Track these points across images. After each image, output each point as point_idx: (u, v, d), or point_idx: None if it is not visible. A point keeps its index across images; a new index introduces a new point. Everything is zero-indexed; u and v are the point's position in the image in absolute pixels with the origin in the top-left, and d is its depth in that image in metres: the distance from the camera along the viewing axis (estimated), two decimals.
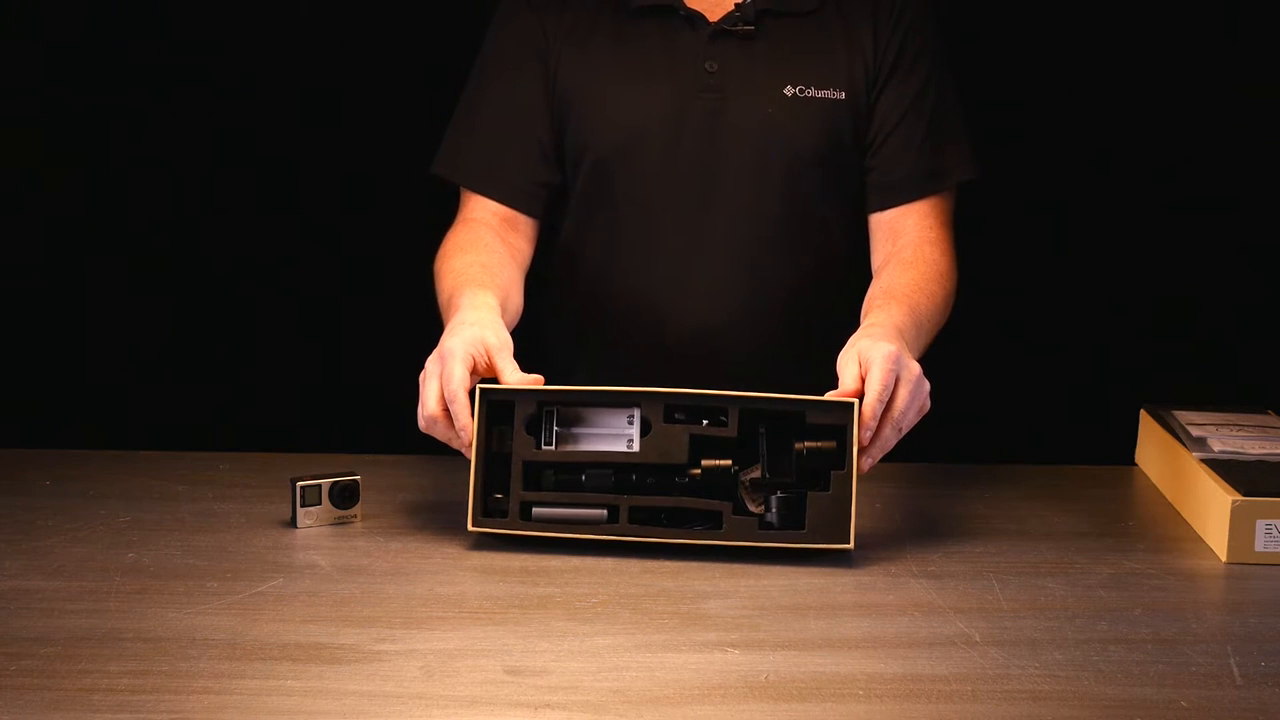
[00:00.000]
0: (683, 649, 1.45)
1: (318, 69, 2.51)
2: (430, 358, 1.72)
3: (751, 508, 1.68)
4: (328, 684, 1.37)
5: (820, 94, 1.97)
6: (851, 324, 1.86)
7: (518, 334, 1.81)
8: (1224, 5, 2.46)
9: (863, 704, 1.35)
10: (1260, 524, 1.68)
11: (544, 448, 1.70)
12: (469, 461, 1.69)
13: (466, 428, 1.68)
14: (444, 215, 2.05)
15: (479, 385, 1.69)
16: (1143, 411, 2.03)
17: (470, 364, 1.70)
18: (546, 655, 1.43)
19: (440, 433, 1.70)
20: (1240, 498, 1.68)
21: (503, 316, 1.81)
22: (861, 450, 1.67)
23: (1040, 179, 2.51)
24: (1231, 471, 1.76)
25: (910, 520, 1.80)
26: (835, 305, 2.01)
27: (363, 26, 2.51)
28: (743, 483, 1.69)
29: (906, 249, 1.96)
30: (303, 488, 1.74)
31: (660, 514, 1.69)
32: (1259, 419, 1.94)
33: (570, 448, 1.71)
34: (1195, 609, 1.58)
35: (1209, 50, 2.47)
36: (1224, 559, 1.70)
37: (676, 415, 1.71)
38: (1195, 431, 1.88)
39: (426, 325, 1.93)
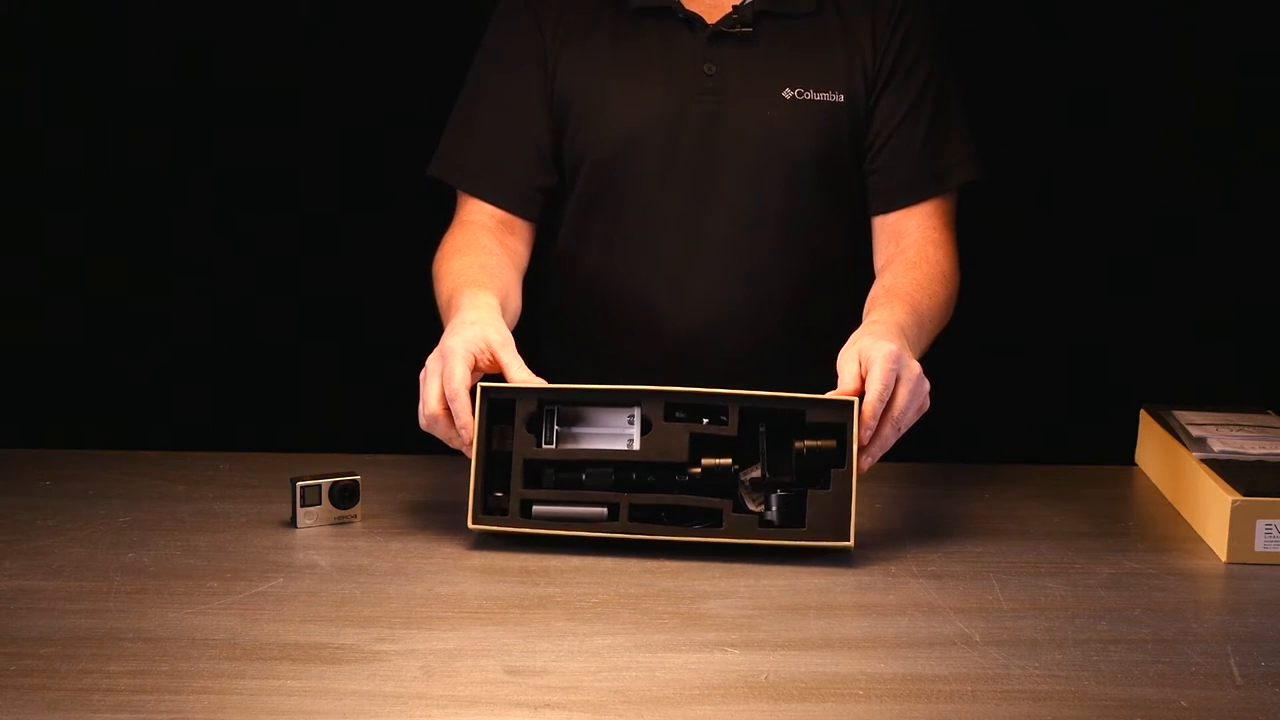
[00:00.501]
0: (683, 649, 1.45)
1: (317, 68, 2.51)
2: (431, 356, 1.72)
3: (751, 506, 1.68)
4: (328, 684, 1.37)
5: (819, 96, 1.96)
6: (850, 324, 1.86)
7: (515, 336, 1.81)
8: (1224, 5, 2.46)
9: (863, 704, 1.35)
10: (1260, 524, 1.68)
11: (544, 446, 1.71)
12: (469, 461, 1.69)
13: (467, 426, 1.68)
14: (446, 215, 2.05)
15: (480, 384, 1.70)
16: (1143, 411, 2.03)
17: (471, 362, 1.70)
18: (546, 655, 1.43)
19: (441, 431, 1.70)
20: (1240, 498, 1.68)
21: (502, 316, 1.81)
22: (861, 449, 1.67)
23: (1041, 179, 2.51)
24: (1231, 471, 1.76)
25: (910, 520, 1.80)
26: (834, 306, 2.01)
27: (364, 27, 2.51)
28: (743, 482, 1.69)
29: (909, 250, 1.97)
30: (303, 488, 1.74)
31: (660, 512, 1.69)
32: (1259, 419, 1.94)
33: (570, 446, 1.72)
34: (1195, 609, 1.58)
35: (1209, 50, 2.47)
36: (1224, 559, 1.70)
37: (677, 414, 1.71)
38: (1195, 431, 1.88)
39: (427, 325, 1.93)
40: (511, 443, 1.70)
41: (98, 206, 2.55)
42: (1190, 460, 1.82)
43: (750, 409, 1.70)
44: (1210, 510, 1.74)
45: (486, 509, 1.70)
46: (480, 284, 1.85)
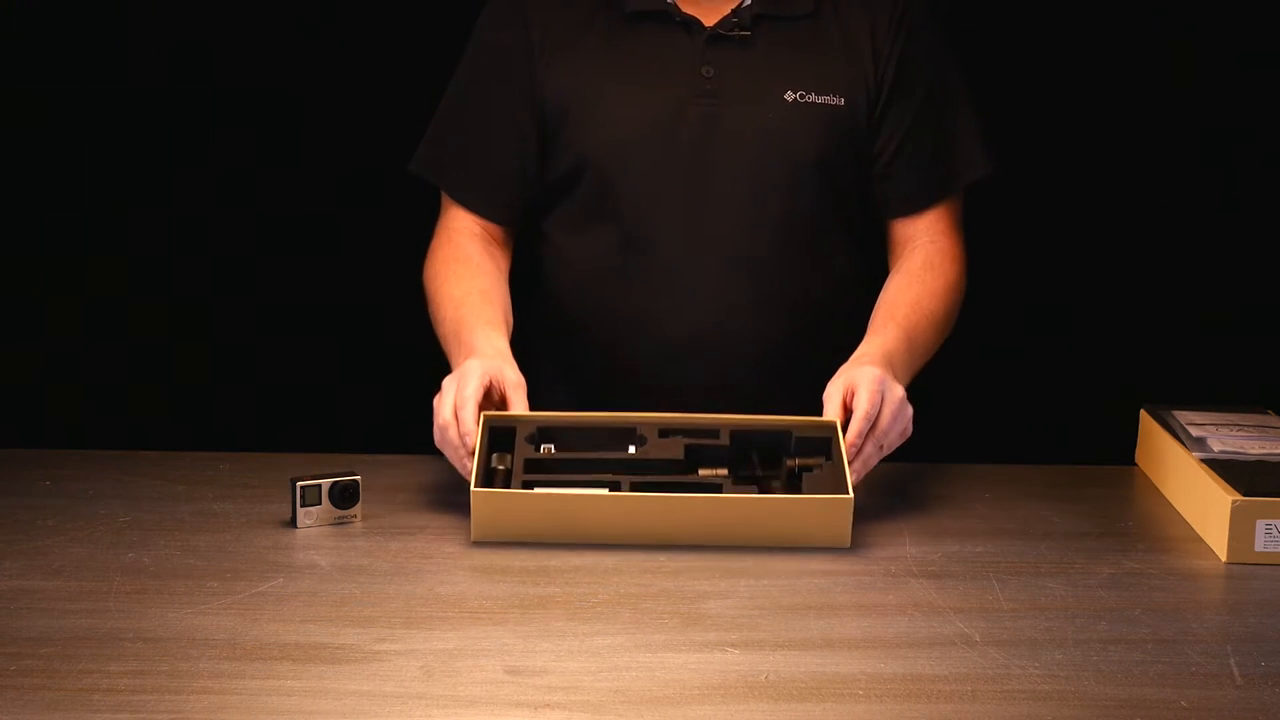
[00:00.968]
0: (683, 649, 1.45)
1: (317, 68, 2.51)
2: (447, 379, 1.77)
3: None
4: (328, 684, 1.37)
5: (820, 99, 1.96)
6: (851, 326, 1.86)
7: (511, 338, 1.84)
8: (1224, 5, 2.46)
9: (863, 704, 1.35)
10: (1260, 524, 1.68)
11: (544, 448, 1.76)
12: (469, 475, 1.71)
13: (470, 434, 1.71)
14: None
15: (483, 414, 1.73)
16: (1143, 411, 2.03)
17: (486, 382, 1.75)
18: (546, 655, 1.43)
19: (451, 439, 1.72)
20: (1240, 498, 1.68)
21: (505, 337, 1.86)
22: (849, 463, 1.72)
23: (1041, 179, 2.51)
24: (1231, 471, 1.76)
25: (910, 520, 1.80)
26: (835, 308, 2.01)
27: (362, 26, 2.51)
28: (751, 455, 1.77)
29: (916, 258, 1.98)
30: (303, 488, 1.74)
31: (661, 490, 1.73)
32: (1259, 419, 1.94)
33: (570, 454, 1.77)
34: (1195, 609, 1.58)
35: (1208, 49, 2.47)
36: (1224, 559, 1.70)
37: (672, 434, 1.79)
38: (1195, 431, 1.88)
39: (427, 325, 1.94)
40: (511, 466, 1.74)
41: (98, 206, 2.55)
42: (1190, 460, 1.82)
43: (740, 431, 1.78)
44: (1210, 510, 1.74)
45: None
46: (487, 319, 1.88)
